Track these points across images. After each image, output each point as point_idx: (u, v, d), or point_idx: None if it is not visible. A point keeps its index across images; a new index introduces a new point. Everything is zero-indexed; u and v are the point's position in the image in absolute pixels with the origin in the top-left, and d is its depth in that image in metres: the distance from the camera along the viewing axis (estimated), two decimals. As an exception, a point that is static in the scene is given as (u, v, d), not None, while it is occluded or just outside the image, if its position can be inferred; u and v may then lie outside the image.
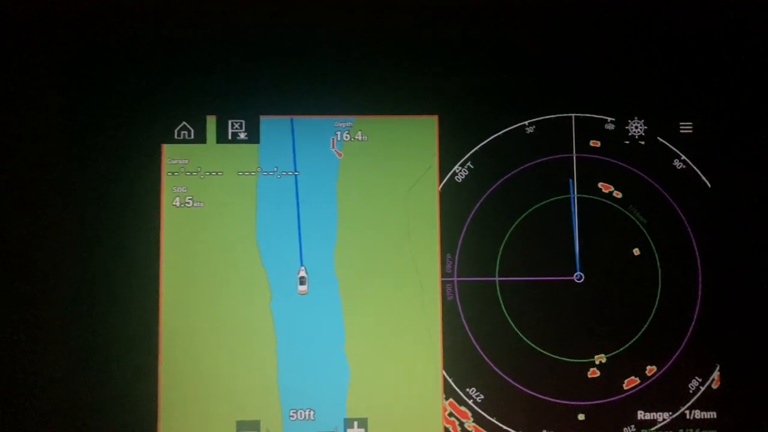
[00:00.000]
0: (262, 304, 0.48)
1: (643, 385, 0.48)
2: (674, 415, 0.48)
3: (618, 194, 0.50)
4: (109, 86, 0.48)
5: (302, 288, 0.48)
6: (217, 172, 0.48)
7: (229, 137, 0.49)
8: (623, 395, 0.48)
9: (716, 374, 0.48)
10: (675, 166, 0.50)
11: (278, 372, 0.47)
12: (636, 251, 0.49)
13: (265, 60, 0.49)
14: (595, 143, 0.50)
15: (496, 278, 0.49)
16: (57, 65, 0.48)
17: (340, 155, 0.49)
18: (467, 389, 0.48)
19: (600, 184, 0.50)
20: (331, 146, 0.49)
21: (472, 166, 0.50)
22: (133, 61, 0.48)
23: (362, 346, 0.48)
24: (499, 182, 0.50)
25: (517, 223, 0.49)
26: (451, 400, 0.48)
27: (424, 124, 0.49)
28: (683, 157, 0.50)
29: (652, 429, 0.48)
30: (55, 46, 0.48)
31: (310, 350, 0.48)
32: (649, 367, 0.49)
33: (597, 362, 0.48)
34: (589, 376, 0.48)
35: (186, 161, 0.48)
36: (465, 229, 0.49)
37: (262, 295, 0.48)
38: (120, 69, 0.48)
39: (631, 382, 0.48)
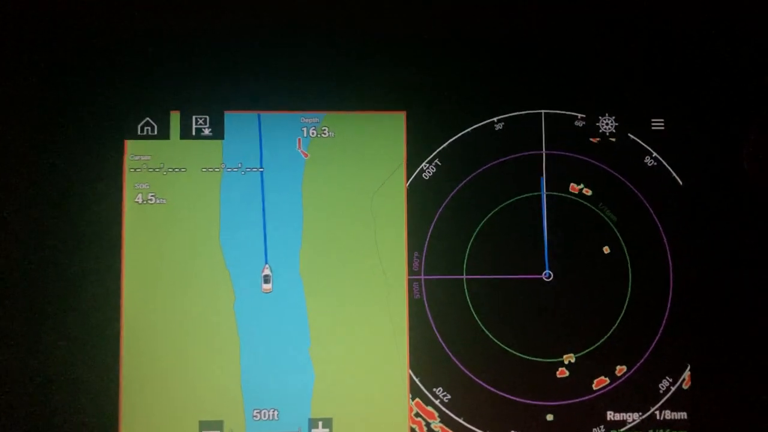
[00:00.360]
0: (225, 304, 0.47)
1: (612, 386, 0.48)
2: (644, 416, 0.48)
3: (588, 192, 0.49)
4: (71, 80, 0.47)
5: (266, 286, 0.47)
6: (180, 169, 0.48)
7: (194, 133, 0.48)
8: (592, 395, 0.48)
9: (687, 374, 0.48)
10: (646, 164, 0.49)
11: (241, 371, 0.47)
12: (606, 249, 0.49)
13: (230, 55, 0.48)
14: (564, 148, 0.49)
15: (464, 276, 0.48)
16: (17, 59, 0.47)
17: (306, 156, 0.48)
18: (434, 389, 0.48)
19: (570, 186, 0.49)
20: (297, 146, 0.48)
21: (439, 163, 0.49)
22: (96, 55, 0.47)
23: (327, 345, 0.47)
24: (467, 179, 0.49)
25: (485, 220, 0.49)
26: (417, 400, 0.47)
27: (392, 120, 0.49)
28: (654, 155, 0.49)
29: (622, 430, 0.48)
30: (16, 40, 0.47)
31: (274, 350, 0.47)
32: (618, 367, 0.48)
33: (566, 362, 0.48)
34: (558, 376, 0.48)
35: (149, 157, 0.48)
36: (432, 226, 0.49)
37: (226, 295, 0.47)
38: (82, 63, 0.47)
39: (600, 383, 0.48)
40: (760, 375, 0.48)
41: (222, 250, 0.47)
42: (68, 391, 0.46)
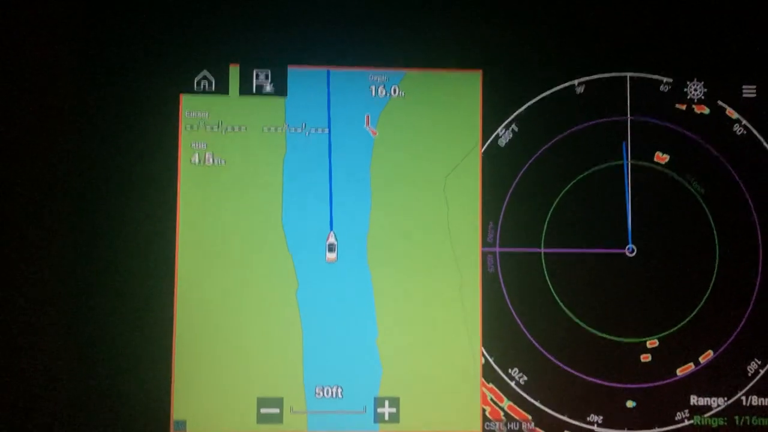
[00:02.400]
0: (287, 274, 0.44)
1: (697, 370, 0.45)
2: (730, 401, 0.45)
3: (674, 162, 0.46)
4: (125, 30, 0.44)
5: (331, 255, 0.44)
6: (240, 127, 0.44)
7: (254, 89, 0.44)
8: (676, 379, 0.45)
9: (776, 358, 0.45)
10: (736, 132, 0.46)
11: (303, 347, 0.43)
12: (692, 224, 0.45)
13: (294, 6, 0.44)
14: (650, 115, 0.46)
15: (542, 249, 0.45)
16: (72, 8, 0.43)
17: (375, 134, 0.44)
18: (509, 370, 0.44)
19: (656, 155, 0.46)
20: (366, 124, 0.44)
21: (516, 129, 0.46)
22: (151, 4, 0.44)
23: (394, 320, 0.44)
24: (545, 146, 0.46)
25: (565, 190, 0.45)
26: (491, 385, 0.44)
27: (467, 80, 0.45)
28: (744, 123, 0.46)
29: (707, 415, 0.45)
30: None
31: (338, 324, 0.44)
32: (704, 353, 0.45)
33: (650, 346, 0.45)
34: (642, 360, 0.45)
35: (206, 114, 0.44)
36: (509, 196, 0.45)
37: (287, 264, 0.44)
38: (137, 12, 0.44)
39: (685, 369, 0.45)
40: None
41: (283, 216, 0.44)
42: (121, 362, 0.42)
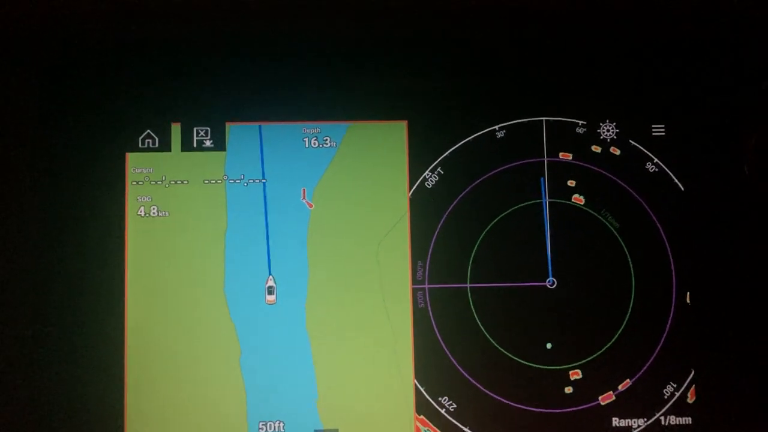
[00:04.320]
0: (227, 316, 0.47)
1: (617, 397, 0.48)
2: (649, 422, 0.48)
3: (590, 199, 0.49)
4: (71, 93, 0.47)
5: (270, 298, 0.47)
6: (182, 181, 0.48)
7: (195, 145, 0.48)
8: (598, 404, 0.48)
9: (692, 384, 0.48)
10: (648, 170, 0.49)
11: (244, 382, 0.46)
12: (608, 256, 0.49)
13: (230, 66, 0.48)
14: (565, 155, 0.49)
15: (468, 285, 0.48)
16: (19, 73, 0.47)
17: (311, 206, 0.48)
18: (439, 398, 0.47)
19: (573, 197, 0.49)
20: (302, 197, 0.48)
21: (442, 172, 0.49)
22: (96, 68, 0.47)
23: (331, 356, 0.47)
24: (469, 187, 0.49)
25: (488, 228, 0.49)
26: (423, 417, 0.47)
27: (394, 129, 0.49)
28: (656, 160, 0.49)
29: (627, 436, 0.48)
30: (18, 53, 0.47)
31: (277, 360, 0.47)
32: (623, 382, 0.48)
33: (572, 378, 0.48)
34: (566, 392, 0.48)
35: (151, 170, 0.47)
36: (436, 235, 0.49)
37: (227, 307, 0.47)
38: (82, 76, 0.47)
39: (606, 397, 0.48)
40: (763, 380, 0.48)
41: (225, 261, 0.47)
42: (71, 409, 0.46)
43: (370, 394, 0.47)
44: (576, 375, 0.48)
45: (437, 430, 0.47)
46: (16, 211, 0.46)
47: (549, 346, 0.48)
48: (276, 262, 0.48)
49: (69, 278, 0.46)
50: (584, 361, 0.48)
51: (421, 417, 0.47)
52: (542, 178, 0.49)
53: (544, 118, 0.49)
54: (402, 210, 0.48)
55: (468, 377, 0.48)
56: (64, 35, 0.47)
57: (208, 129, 0.48)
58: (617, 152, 0.49)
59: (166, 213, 0.47)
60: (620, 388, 0.48)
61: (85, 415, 0.46)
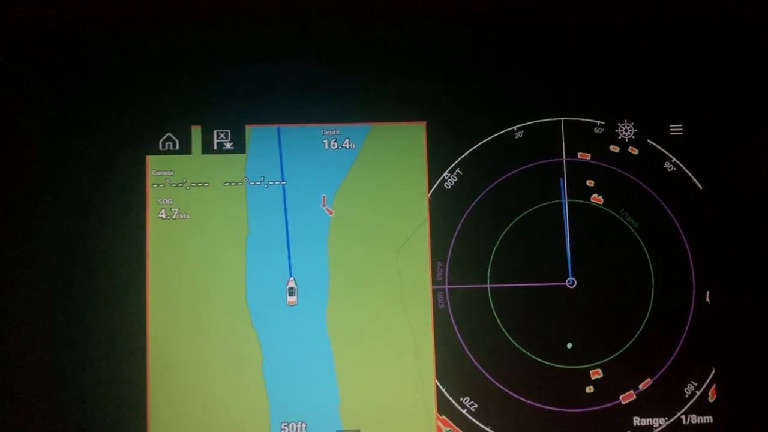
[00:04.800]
0: (247, 318, 0.47)
1: (638, 397, 0.48)
2: (670, 421, 0.48)
3: (609, 199, 0.49)
4: (92, 97, 0.47)
5: (291, 299, 0.47)
6: (203, 183, 0.48)
7: (215, 147, 0.48)
8: (618, 404, 0.48)
9: (712, 382, 0.48)
10: (666, 169, 0.49)
11: (266, 385, 0.47)
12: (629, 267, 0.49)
13: (250, 69, 0.48)
14: (584, 155, 0.49)
15: (488, 285, 0.48)
16: (40, 76, 0.47)
17: (331, 213, 0.48)
18: (461, 398, 0.48)
19: (592, 197, 0.49)
20: (322, 204, 0.48)
21: (461, 173, 0.49)
22: (116, 72, 0.48)
23: (351, 357, 0.47)
24: (488, 188, 0.49)
25: (507, 229, 0.49)
26: (444, 417, 0.47)
27: (412, 131, 0.49)
28: (674, 160, 0.50)
29: (649, 435, 0.48)
30: (39, 57, 0.47)
31: (299, 363, 0.47)
32: (644, 381, 0.48)
33: (593, 377, 0.48)
34: (586, 392, 0.48)
35: (171, 172, 0.48)
36: (455, 236, 0.49)
37: (248, 309, 0.47)
38: (103, 80, 0.48)
39: (627, 396, 0.48)
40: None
41: (246, 263, 0.47)
42: (95, 410, 0.46)
43: (391, 394, 0.47)
44: (597, 374, 0.48)
45: (459, 430, 0.47)
46: (37, 216, 0.46)
47: (570, 345, 0.48)
48: (297, 263, 0.48)
49: (91, 281, 0.46)
50: (605, 360, 0.48)
51: (443, 417, 0.47)
52: (561, 179, 0.49)
53: (562, 119, 0.50)
54: (422, 216, 0.48)
55: (489, 377, 0.48)
56: (85, 39, 0.47)
57: (228, 131, 0.48)
58: (635, 152, 0.49)
59: (188, 215, 0.47)
60: (641, 387, 0.48)
61: (106, 423, 0.46)
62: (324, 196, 0.48)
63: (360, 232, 0.48)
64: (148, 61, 0.48)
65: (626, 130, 0.50)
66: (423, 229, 0.48)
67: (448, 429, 0.47)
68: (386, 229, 0.48)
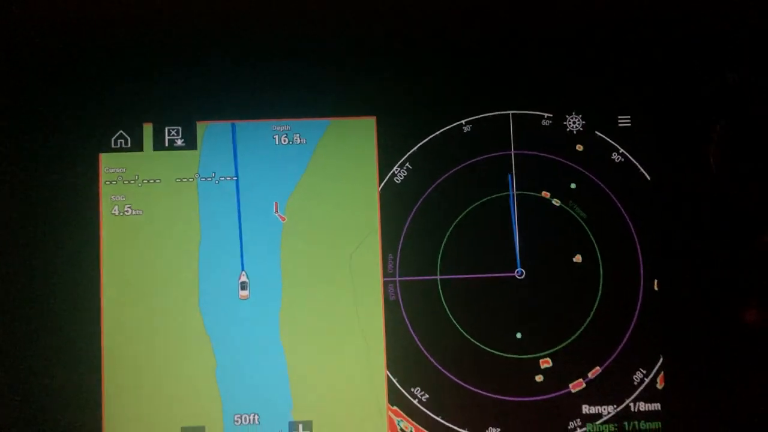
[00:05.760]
0: (198, 314, 0.48)
1: (587, 385, 0.48)
2: (619, 408, 0.48)
3: (557, 190, 0.50)
4: (43, 96, 0.48)
5: (243, 293, 0.48)
6: (155, 180, 0.48)
7: (166, 144, 0.49)
8: (568, 392, 0.48)
9: (660, 370, 0.48)
10: (614, 160, 0.50)
11: (218, 378, 0.47)
12: (578, 258, 0.49)
13: (200, 65, 0.49)
14: (531, 149, 0.50)
15: (438, 276, 0.49)
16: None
17: (283, 219, 0.49)
18: (412, 389, 0.48)
19: (540, 190, 0.50)
20: (274, 210, 0.49)
21: (410, 167, 0.50)
22: (68, 70, 0.48)
23: (303, 349, 0.48)
24: (438, 181, 0.50)
25: (457, 221, 0.49)
26: (395, 407, 0.48)
27: (362, 125, 0.49)
28: (622, 151, 0.50)
29: (598, 422, 0.48)
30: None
31: (250, 355, 0.48)
32: (593, 369, 0.48)
33: (542, 366, 0.48)
34: (536, 381, 0.48)
35: (123, 170, 0.48)
36: (406, 229, 0.49)
37: (201, 301, 0.48)
38: (54, 78, 0.48)
39: (576, 385, 0.48)
40: (731, 365, 0.48)
41: (200, 256, 0.48)
42: (50, 404, 0.46)
43: (343, 386, 0.48)
44: (546, 363, 0.49)
45: (410, 419, 0.48)
46: (-8, 213, 0.47)
47: (519, 335, 0.49)
48: (249, 258, 0.48)
49: (45, 278, 0.47)
50: (554, 349, 0.49)
51: (394, 407, 0.48)
52: (509, 171, 0.50)
53: (510, 112, 0.50)
54: (373, 223, 0.49)
55: (440, 368, 0.48)
56: (35, 37, 0.47)
57: (180, 128, 0.49)
58: (584, 144, 0.50)
59: (140, 212, 0.48)
60: (590, 375, 0.49)
61: (62, 422, 0.47)
62: (276, 203, 0.49)
63: (312, 236, 0.48)
64: (99, 58, 0.48)
65: (574, 122, 0.50)
66: (374, 235, 0.49)
67: (399, 419, 0.48)
68: (338, 232, 0.48)
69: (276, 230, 0.49)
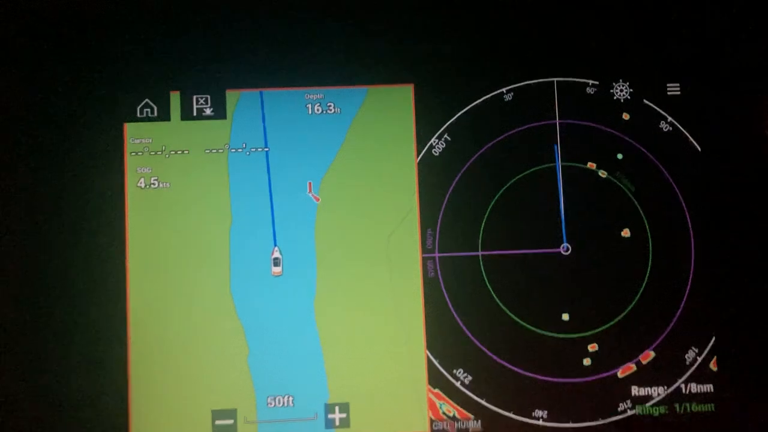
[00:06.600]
0: (228, 289, 0.45)
1: (638, 369, 0.46)
2: (669, 390, 0.46)
3: (604, 162, 0.47)
4: (67, 64, 0.46)
5: (276, 269, 0.46)
6: (183, 151, 0.46)
7: (195, 113, 0.46)
8: (617, 374, 0.46)
9: (713, 350, 0.46)
10: (662, 129, 0.48)
11: (249, 359, 0.45)
12: (626, 232, 0.47)
13: (228, 31, 0.47)
14: (578, 117, 0.47)
15: (480, 253, 0.47)
16: (15, 44, 0.45)
17: (317, 200, 0.46)
18: (454, 370, 0.46)
19: (587, 160, 0.47)
20: (308, 190, 0.46)
21: (449, 138, 0.47)
22: (91, 38, 0.46)
23: (339, 329, 0.46)
24: (478, 154, 0.47)
25: (499, 195, 0.47)
26: (438, 390, 0.46)
27: (400, 94, 0.47)
28: (670, 119, 0.48)
29: (648, 404, 0.46)
30: (11, 24, 0.45)
31: (283, 335, 0.45)
32: (643, 353, 0.46)
33: (590, 350, 0.46)
34: (584, 364, 0.46)
35: (150, 140, 0.46)
36: (445, 203, 0.47)
37: (232, 278, 0.46)
38: (78, 46, 0.46)
39: (626, 370, 0.46)
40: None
41: (230, 233, 0.46)
42: (77, 384, 0.44)
43: (380, 367, 0.45)
44: (594, 348, 0.46)
45: (453, 402, 0.46)
46: (12, 185, 0.45)
47: (566, 317, 0.46)
48: (281, 234, 0.46)
49: (70, 252, 0.45)
50: (602, 329, 0.46)
51: (436, 390, 0.46)
52: (554, 142, 0.47)
53: (555, 79, 0.48)
54: (411, 203, 0.46)
55: (483, 348, 0.46)
56: (60, 6, 0.45)
57: (208, 97, 0.46)
58: (630, 113, 0.48)
59: (167, 184, 0.46)
60: (640, 357, 0.46)
61: (87, 402, 0.44)
62: (310, 183, 0.46)
63: (348, 216, 0.46)
64: (124, 25, 0.46)
65: (622, 90, 0.48)
66: (413, 214, 0.46)
67: (441, 402, 0.46)
68: (376, 212, 0.46)
69: (311, 210, 0.46)
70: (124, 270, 0.45)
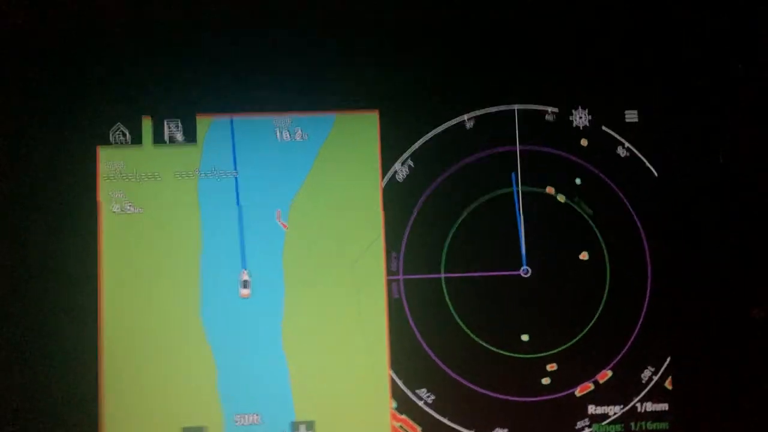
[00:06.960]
0: (198, 312, 0.47)
1: (595, 388, 0.48)
2: (625, 408, 0.48)
3: (563, 186, 0.49)
4: (40, 88, 0.47)
5: (245, 291, 0.47)
6: (154, 175, 0.47)
7: (166, 138, 0.48)
8: (575, 393, 0.48)
9: (668, 369, 0.47)
10: (620, 155, 0.49)
11: (218, 378, 0.46)
12: (584, 255, 0.48)
13: (200, 58, 0.48)
14: (537, 144, 0.49)
15: (442, 275, 0.48)
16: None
17: (285, 227, 0.48)
18: (417, 390, 0.47)
19: (547, 189, 0.49)
20: (276, 218, 0.48)
21: (412, 164, 0.49)
22: (65, 63, 0.47)
23: (305, 348, 0.47)
24: (440, 179, 0.49)
25: (461, 219, 0.49)
26: (404, 416, 0.47)
27: (365, 120, 0.49)
28: (627, 146, 0.49)
29: (604, 423, 0.47)
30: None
31: (250, 355, 0.47)
32: (601, 373, 0.48)
33: (549, 370, 0.48)
34: (543, 383, 0.47)
35: (122, 164, 0.47)
36: (409, 227, 0.48)
37: (202, 302, 0.47)
38: (51, 70, 0.47)
39: (584, 389, 0.48)
40: (739, 364, 0.48)
41: (201, 257, 0.47)
42: (48, 405, 0.45)
43: (345, 385, 0.47)
44: (553, 368, 0.48)
45: (415, 421, 0.47)
46: (-13, 209, 0.46)
47: (525, 338, 0.48)
48: (250, 256, 0.47)
49: (44, 275, 0.46)
50: (561, 349, 0.48)
51: (400, 413, 0.47)
52: (514, 167, 0.49)
53: (516, 107, 0.49)
54: (377, 228, 0.48)
55: (444, 367, 0.48)
56: (32, 29, 0.47)
57: (179, 122, 0.48)
58: (589, 139, 0.49)
59: (141, 209, 0.47)
60: (597, 376, 0.48)
61: (59, 422, 0.46)
62: (279, 211, 0.48)
63: (316, 243, 0.48)
64: (97, 50, 0.47)
65: (581, 117, 0.49)
66: (379, 240, 0.48)
67: (399, 423, 0.47)
68: (342, 238, 0.48)
69: (279, 234, 0.48)
70: (96, 294, 0.46)
